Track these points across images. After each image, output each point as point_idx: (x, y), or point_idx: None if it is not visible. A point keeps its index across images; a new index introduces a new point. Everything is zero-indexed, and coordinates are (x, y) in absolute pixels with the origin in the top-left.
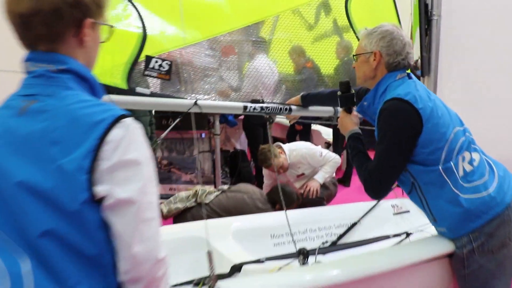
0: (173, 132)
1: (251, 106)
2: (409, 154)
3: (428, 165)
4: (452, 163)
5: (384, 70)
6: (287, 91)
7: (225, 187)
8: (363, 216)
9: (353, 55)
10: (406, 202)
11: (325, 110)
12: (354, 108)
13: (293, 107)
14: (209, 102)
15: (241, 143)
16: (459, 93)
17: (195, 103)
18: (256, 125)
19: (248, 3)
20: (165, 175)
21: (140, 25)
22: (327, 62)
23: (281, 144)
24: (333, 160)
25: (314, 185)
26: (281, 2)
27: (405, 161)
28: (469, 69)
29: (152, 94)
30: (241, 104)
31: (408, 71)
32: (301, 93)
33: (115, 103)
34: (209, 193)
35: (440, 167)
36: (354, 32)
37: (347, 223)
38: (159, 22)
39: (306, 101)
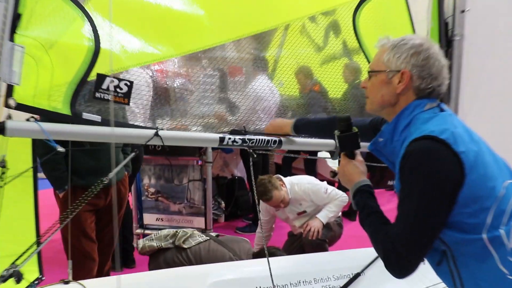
0: (161, 158)
1: (229, 138)
2: (446, 216)
3: (468, 231)
4: (501, 231)
5: (411, 97)
6: (292, 116)
7: (212, 234)
8: (367, 266)
9: (369, 72)
10: None
11: (324, 144)
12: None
13: (283, 139)
14: (174, 133)
15: (240, 169)
16: (484, 125)
17: (156, 134)
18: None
19: (238, 15)
20: (152, 203)
21: (92, 36)
22: (335, 86)
23: (281, 176)
24: (339, 198)
25: (315, 225)
26: (280, 14)
27: (441, 225)
28: (495, 97)
29: (104, 122)
30: (215, 136)
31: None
32: (293, 120)
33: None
34: (192, 236)
35: (484, 236)
36: (363, 51)
37: (349, 274)
38: (119, 33)
39: (300, 130)
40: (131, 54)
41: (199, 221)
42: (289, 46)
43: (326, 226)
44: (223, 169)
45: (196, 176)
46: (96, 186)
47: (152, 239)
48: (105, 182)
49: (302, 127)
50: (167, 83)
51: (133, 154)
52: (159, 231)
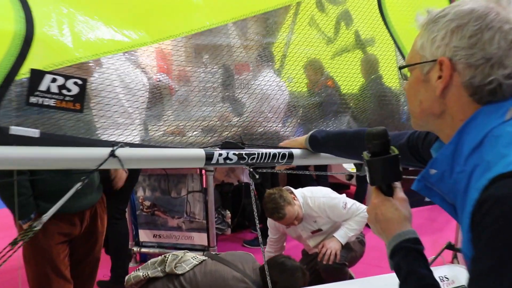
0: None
1: (220, 155)
2: None
3: None
4: None
5: (464, 100)
6: (303, 116)
7: (203, 258)
8: None
9: (399, 67)
10: (458, 272)
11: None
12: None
13: (295, 152)
14: (141, 151)
15: (247, 174)
16: None
17: (112, 154)
18: None
19: None
20: (148, 219)
21: (22, 16)
22: (350, 81)
23: (291, 188)
24: (360, 214)
25: (333, 247)
26: None
27: None
28: None
29: (45, 138)
30: (199, 153)
31: None
32: (310, 132)
33: None
34: (184, 260)
35: None
36: (394, 41)
37: None
38: (67, 12)
39: (318, 144)
40: (85, 41)
41: (201, 237)
42: (298, 38)
43: (346, 246)
44: (228, 175)
45: (196, 186)
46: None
47: (138, 270)
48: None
49: (321, 140)
50: (159, 79)
51: (80, 183)
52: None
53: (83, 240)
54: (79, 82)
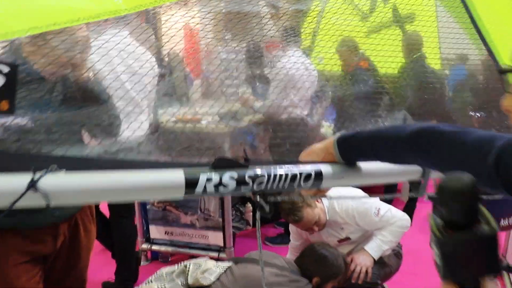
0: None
1: (208, 180)
2: None
3: None
4: None
5: None
6: (333, 101)
7: (227, 264)
8: None
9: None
10: None
11: (407, 172)
12: None
13: (325, 170)
14: (71, 180)
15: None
16: None
17: (32, 185)
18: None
19: None
20: (160, 214)
21: None
22: (388, 61)
23: None
24: (397, 223)
25: (363, 263)
26: None
27: None
28: None
29: None
30: (175, 177)
31: None
32: (336, 136)
33: None
34: (207, 270)
35: None
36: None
37: None
38: None
39: (348, 149)
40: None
41: (216, 237)
42: (330, 14)
43: (379, 261)
44: None
45: None
46: None
47: (151, 281)
48: None
49: (353, 143)
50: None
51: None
52: (157, 272)
53: (60, 258)
54: (6, 70)
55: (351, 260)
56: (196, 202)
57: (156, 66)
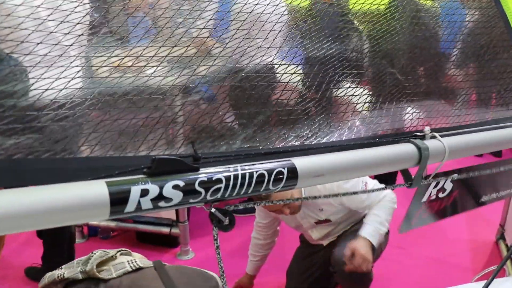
0: None
1: (142, 193)
2: None
3: None
4: None
5: None
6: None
7: (146, 265)
8: None
9: None
10: None
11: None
12: None
13: (300, 166)
14: None
15: None
16: None
17: None
18: None
19: None
20: None
21: None
22: None
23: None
24: (386, 198)
25: (367, 255)
26: None
27: None
28: None
29: None
30: (97, 192)
31: None
32: None
33: None
34: (116, 264)
35: None
36: None
37: None
38: None
39: None
40: None
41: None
42: None
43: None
44: None
45: None
46: None
47: (62, 267)
48: None
49: None
50: None
51: None
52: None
53: None
54: None
55: (353, 253)
56: None
57: None
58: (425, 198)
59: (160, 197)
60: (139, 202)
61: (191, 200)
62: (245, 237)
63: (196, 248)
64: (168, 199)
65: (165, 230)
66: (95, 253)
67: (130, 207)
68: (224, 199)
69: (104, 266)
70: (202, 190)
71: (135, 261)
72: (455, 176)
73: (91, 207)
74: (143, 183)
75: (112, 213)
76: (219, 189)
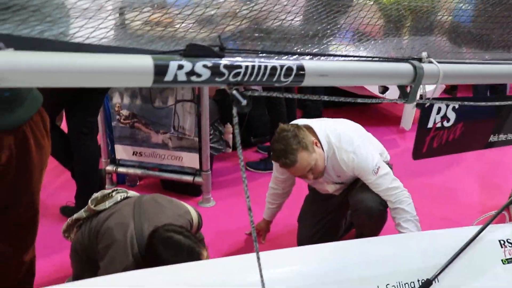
0: None
1: (180, 67)
2: None
3: None
4: None
5: None
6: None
7: (133, 195)
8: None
9: None
10: None
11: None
12: None
13: (307, 65)
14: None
15: None
16: None
17: None
18: None
19: None
20: (127, 132)
21: None
22: None
23: (311, 124)
24: (402, 193)
25: None
26: None
27: None
28: None
29: None
30: (143, 62)
31: None
32: None
33: None
34: (111, 199)
35: None
36: None
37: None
38: None
39: None
40: None
41: (192, 158)
42: None
43: None
44: None
45: (186, 94)
46: None
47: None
48: None
49: None
50: None
51: None
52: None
53: (7, 177)
54: None
55: None
56: (169, 119)
57: None
58: (430, 124)
59: (192, 72)
60: (176, 74)
61: (217, 79)
62: (264, 191)
63: (217, 197)
64: (198, 75)
65: (189, 178)
66: (94, 195)
67: (168, 77)
68: (242, 83)
69: (101, 202)
70: (226, 72)
71: (126, 193)
72: (454, 104)
73: (139, 73)
74: (179, 60)
75: (155, 81)
76: (239, 73)
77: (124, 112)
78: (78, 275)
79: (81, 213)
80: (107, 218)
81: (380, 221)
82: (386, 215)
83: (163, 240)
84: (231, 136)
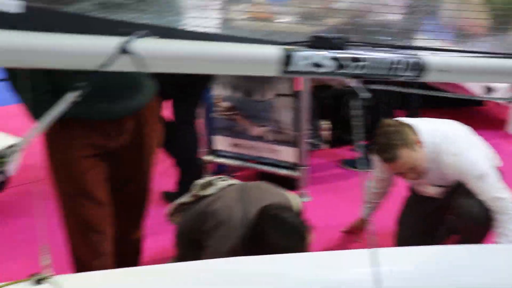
0: None
1: (303, 59)
2: None
3: None
4: None
5: None
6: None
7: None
8: None
9: None
10: None
11: None
12: None
13: (428, 61)
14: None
15: None
16: None
17: (123, 49)
18: None
19: None
20: (226, 124)
21: None
22: None
23: (417, 123)
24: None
25: None
26: None
27: None
28: None
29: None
30: (270, 52)
31: None
32: None
33: None
34: (215, 183)
35: None
36: None
37: None
38: None
39: None
40: None
41: (289, 152)
42: None
43: None
44: None
45: (285, 88)
46: None
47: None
48: None
49: None
50: None
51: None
52: None
53: (125, 156)
54: None
55: None
56: (267, 113)
57: None
58: None
59: (318, 64)
60: (300, 65)
61: (340, 70)
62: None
63: (312, 192)
64: (323, 66)
65: (286, 172)
66: (198, 181)
67: (293, 67)
68: (365, 76)
69: (205, 188)
70: (351, 64)
71: (230, 181)
72: None
73: (268, 62)
74: (305, 51)
75: (282, 71)
76: (362, 66)
77: (225, 104)
78: (182, 256)
79: (186, 198)
80: (213, 201)
81: (484, 228)
82: (492, 221)
83: (271, 217)
84: (326, 133)
